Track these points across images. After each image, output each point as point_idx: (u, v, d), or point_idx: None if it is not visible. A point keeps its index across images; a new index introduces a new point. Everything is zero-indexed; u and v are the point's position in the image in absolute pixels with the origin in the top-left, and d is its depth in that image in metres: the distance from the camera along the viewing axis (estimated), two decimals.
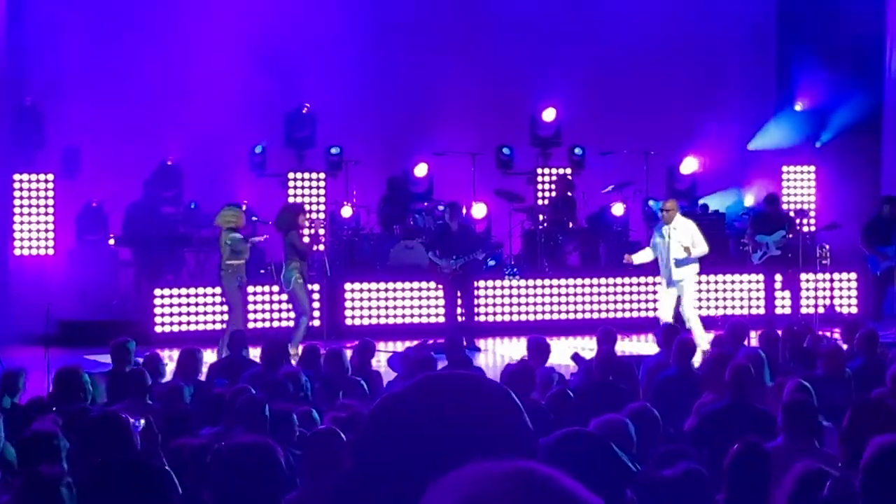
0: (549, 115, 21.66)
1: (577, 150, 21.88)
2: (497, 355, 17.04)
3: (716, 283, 19.79)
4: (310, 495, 6.48)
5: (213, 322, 17.98)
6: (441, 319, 18.07)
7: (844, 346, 12.43)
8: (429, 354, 11.43)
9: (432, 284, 18.25)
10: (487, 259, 18.91)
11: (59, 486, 5.64)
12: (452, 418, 2.32)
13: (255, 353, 14.21)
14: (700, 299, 19.31)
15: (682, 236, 16.37)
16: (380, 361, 14.72)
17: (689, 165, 21.44)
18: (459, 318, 17.31)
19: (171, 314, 18.22)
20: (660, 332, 13.05)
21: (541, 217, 20.66)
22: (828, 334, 15.76)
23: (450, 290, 17.40)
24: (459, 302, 17.40)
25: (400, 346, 15.78)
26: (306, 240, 16.88)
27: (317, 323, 17.16)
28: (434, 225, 19.19)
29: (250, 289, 17.10)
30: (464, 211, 18.71)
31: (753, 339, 13.90)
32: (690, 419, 8.95)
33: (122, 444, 6.53)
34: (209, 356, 13.81)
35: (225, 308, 16.73)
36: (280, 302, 18.06)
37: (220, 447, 6.36)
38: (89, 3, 20.14)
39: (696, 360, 11.92)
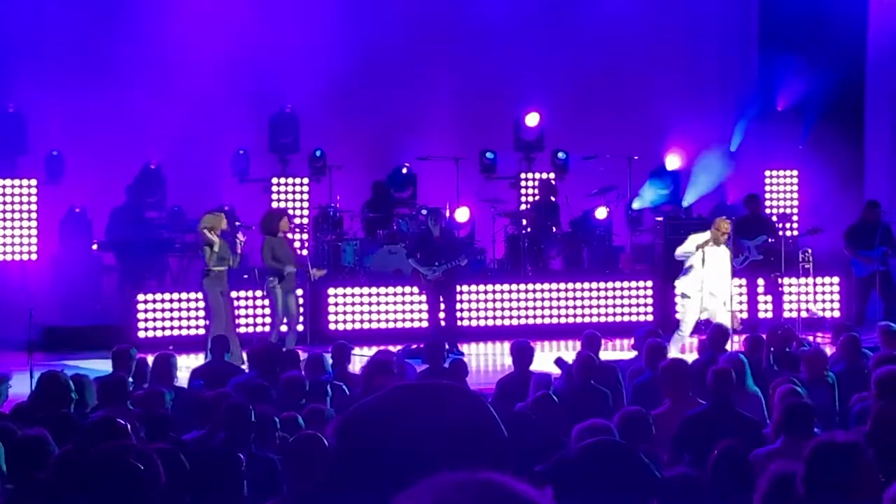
0: (532, 119, 21.66)
1: (561, 155, 21.91)
2: (480, 360, 17.02)
3: None
4: (291, 501, 6.48)
5: (197, 327, 17.92)
6: (424, 324, 18.04)
7: (829, 351, 12.46)
8: (386, 358, 11.40)
9: (415, 289, 18.21)
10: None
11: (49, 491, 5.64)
12: (426, 428, 2.29)
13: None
14: None
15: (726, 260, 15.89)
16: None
17: (673, 162, 21.42)
18: (442, 323, 17.28)
19: (155, 319, 18.16)
20: (637, 337, 13.00)
21: (524, 221, 20.64)
22: (810, 338, 15.79)
23: (432, 295, 17.37)
24: (442, 307, 17.38)
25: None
26: (297, 244, 16.80)
27: (300, 328, 17.12)
28: (417, 230, 19.16)
29: (232, 293, 17.01)
30: (447, 215, 18.67)
31: (736, 343, 13.93)
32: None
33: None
34: (194, 361, 13.79)
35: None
36: (264, 307, 18.01)
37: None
38: (72, 8, 20.09)
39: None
